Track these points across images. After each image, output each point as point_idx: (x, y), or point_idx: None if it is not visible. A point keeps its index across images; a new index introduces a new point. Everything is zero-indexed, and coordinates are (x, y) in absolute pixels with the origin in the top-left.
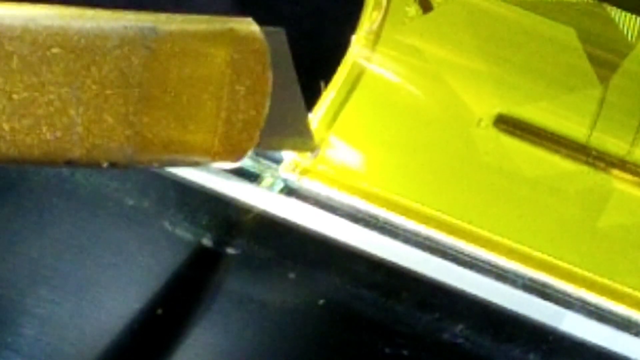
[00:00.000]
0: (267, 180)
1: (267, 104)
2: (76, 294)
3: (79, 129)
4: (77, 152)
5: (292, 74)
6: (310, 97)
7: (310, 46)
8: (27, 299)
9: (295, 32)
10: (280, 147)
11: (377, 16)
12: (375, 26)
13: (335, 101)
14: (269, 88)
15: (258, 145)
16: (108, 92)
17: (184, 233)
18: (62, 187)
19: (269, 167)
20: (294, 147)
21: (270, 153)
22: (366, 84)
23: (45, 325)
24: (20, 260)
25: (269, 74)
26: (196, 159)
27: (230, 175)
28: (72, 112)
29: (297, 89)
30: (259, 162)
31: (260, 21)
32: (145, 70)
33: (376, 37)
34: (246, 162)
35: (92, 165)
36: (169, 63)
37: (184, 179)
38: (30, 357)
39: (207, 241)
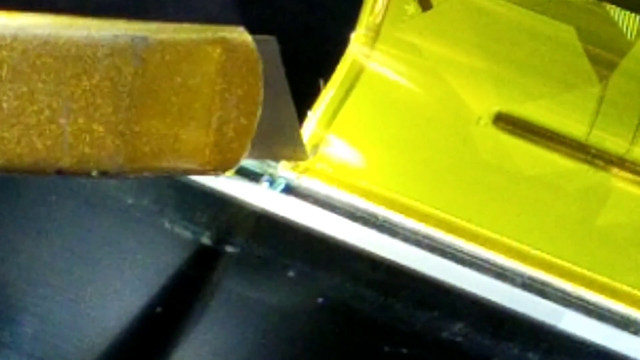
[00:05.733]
0: (266, 178)
1: (259, 112)
2: (75, 293)
3: (69, 138)
4: (67, 161)
5: (284, 83)
6: (310, 95)
7: (309, 44)
8: (26, 297)
9: (294, 29)
10: (271, 156)
11: (376, 14)
12: (374, 24)
13: (335, 99)
14: (261, 97)
15: (249, 154)
16: (98, 101)
17: (183, 231)
18: (61, 186)
19: (268, 166)
20: (286, 156)
21: None
22: (365, 81)
23: (45, 323)
24: (19, 259)
25: (261, 83)
26: (187, 167)
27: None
28: (62, 121)
29: (288, 97)
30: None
31: (260, 19)
32: (136, 79)
33: (375, 35)
34: (245, 161)
35: (82, 174)
36: (160, 72)
37: (182, 177)
38: (29, 355)
39: (206, 239)
